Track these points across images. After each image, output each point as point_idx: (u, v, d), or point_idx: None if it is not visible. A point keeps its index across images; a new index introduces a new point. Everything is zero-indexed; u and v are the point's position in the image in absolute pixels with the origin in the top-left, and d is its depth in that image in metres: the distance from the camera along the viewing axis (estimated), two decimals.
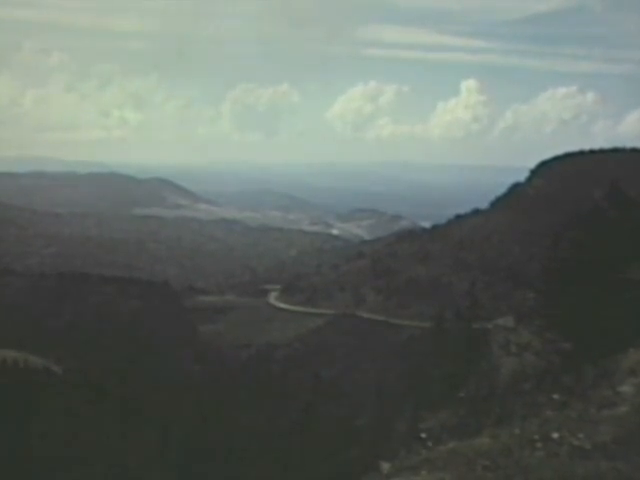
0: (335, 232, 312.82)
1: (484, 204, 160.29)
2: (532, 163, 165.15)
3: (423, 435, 11.73)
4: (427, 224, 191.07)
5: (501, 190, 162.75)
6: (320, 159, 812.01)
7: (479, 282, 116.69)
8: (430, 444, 10.65)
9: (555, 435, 9.50)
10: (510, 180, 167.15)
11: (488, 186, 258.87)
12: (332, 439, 58.95)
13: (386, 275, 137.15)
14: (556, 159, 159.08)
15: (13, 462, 39.78)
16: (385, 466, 10.31)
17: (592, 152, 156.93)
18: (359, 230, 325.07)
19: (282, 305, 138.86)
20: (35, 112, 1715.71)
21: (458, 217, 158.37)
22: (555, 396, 12.21)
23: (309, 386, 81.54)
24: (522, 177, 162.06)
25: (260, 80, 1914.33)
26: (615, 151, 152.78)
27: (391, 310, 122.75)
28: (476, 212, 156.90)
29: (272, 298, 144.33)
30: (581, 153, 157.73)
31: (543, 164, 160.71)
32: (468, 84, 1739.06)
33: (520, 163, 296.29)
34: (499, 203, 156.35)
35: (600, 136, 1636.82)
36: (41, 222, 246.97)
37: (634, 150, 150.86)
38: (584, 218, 20.66)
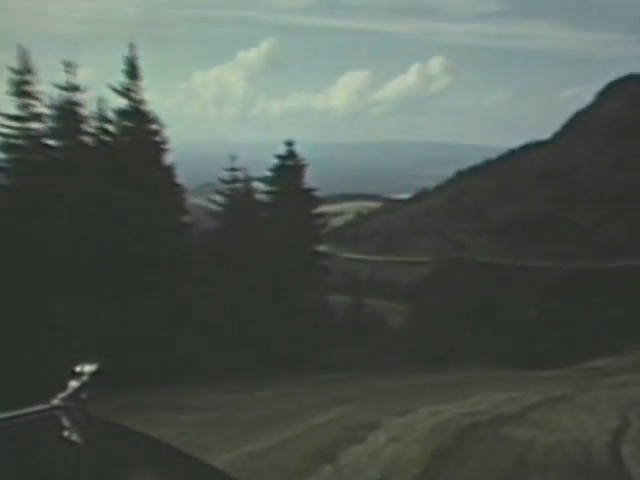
0: None
1: None
2: None
3: None
4: None
5: None
6: None
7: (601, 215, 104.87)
8: None
9: None
10: None
11: None
12: None
13: (472, 214, 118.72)
14: (627, 79, 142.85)
15: None
16: None
17: None
18: None
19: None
20: None
21: (514, 151, 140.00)
22: None
23: None
24: None
25: None
26: None
27: (503, 252, 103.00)
28: (540, 144, 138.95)
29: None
30: None
31: (612, 86, 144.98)
32: None
33: None
34: (568, 132, 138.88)
35: None
36: None
37: None
38: None
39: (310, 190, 27.36)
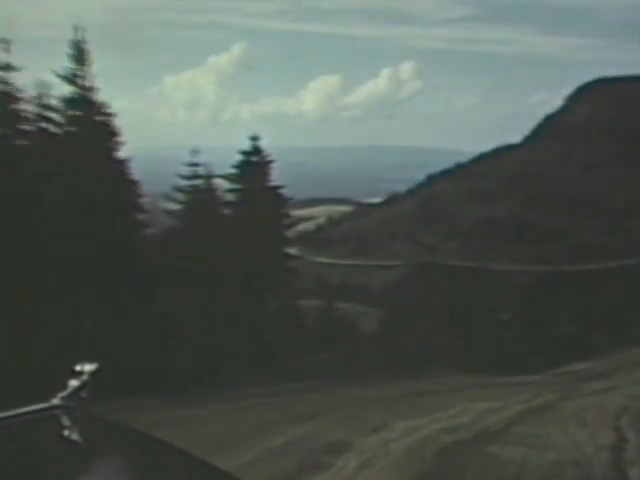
0: None
1: None
2: None
3: None
4: None
5: None
6: None
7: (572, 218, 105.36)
8: None
9: None
10: None
11: None
12: None
13: (443, 218, 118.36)
14: (596, 83, 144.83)
15: None
16: None
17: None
18: None
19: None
20: None
21: (485, 155, 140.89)
22: None
23: None
24: None
25: None
26: None
27: (474, 256, 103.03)
28: (511, 147, 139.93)
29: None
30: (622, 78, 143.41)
31: (581, 90, 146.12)
32: None
33: None
34: (538, 136, 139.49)
35: None
36: None
37: None
38: None
39: (277, 188, 25.68)
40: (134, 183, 20.21)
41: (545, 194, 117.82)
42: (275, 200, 25.19)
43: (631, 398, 20.34)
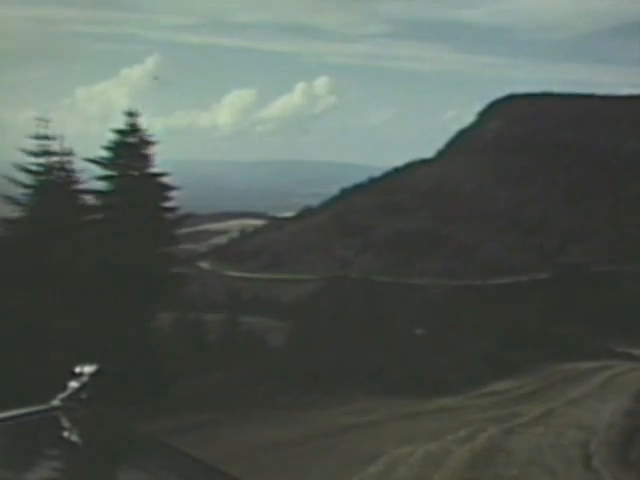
0: None
1: None
2: None
3: None
4: None
5: None
6: None
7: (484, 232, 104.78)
8: None
9: None
10: None
11: None
12: None
13: (357, 232, 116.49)
14: (507, 100, 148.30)
15: None
16: None
17: (548, 94, 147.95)
18: None
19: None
20: None
21: (398, 169, 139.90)
22: None
23: None
24: None
25: None
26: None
27: (388, 270, 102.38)
28: (424, 162, 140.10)
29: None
30: (533, 95, 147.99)
31: (493, 106, 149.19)
32: None
33: None
34: (451, 150, 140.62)
35: None
36: None
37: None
38: None
39: (159, 175, 20.81)
40: None
41: (458, 208, 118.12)
42: (157, 189, 20.57)
43: (584, 429, 17.16)
